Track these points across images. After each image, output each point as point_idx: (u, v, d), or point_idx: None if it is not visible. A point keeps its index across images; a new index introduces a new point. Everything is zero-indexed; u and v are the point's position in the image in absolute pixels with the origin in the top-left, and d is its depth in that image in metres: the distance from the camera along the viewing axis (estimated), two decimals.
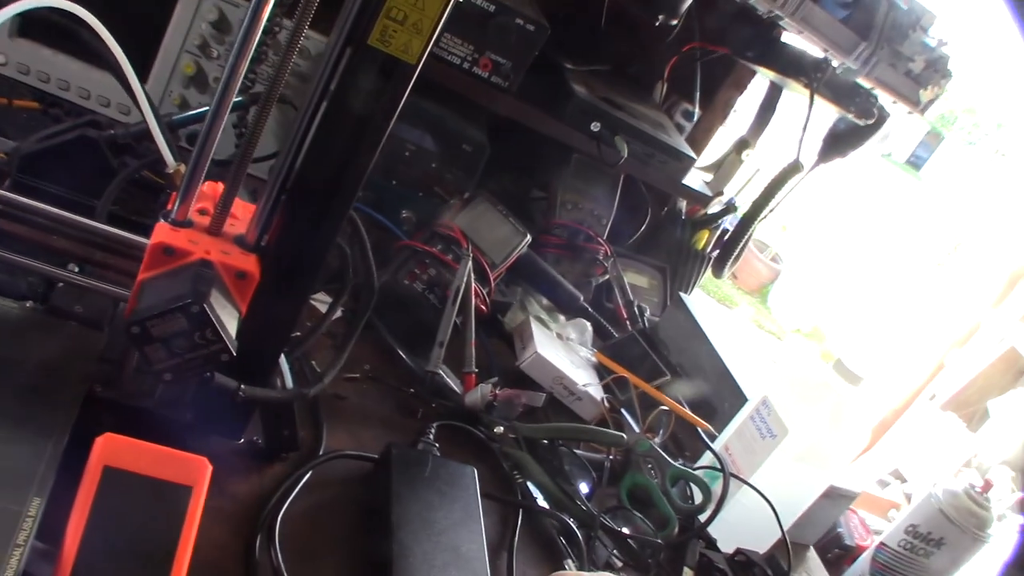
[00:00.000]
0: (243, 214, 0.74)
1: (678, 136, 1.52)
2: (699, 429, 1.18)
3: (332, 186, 0.69)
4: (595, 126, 1.39)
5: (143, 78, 1.24)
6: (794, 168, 1.47)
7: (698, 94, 1.62)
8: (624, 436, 1.07)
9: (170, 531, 0.62)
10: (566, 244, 1.49)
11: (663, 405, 1.20)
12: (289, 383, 0.83)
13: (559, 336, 1.31)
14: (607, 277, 1.51)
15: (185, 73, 1.24)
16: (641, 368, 1.29)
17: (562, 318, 1.37)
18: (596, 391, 1.20)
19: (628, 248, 1.65)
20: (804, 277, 6.52)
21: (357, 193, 0.69)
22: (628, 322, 1.47)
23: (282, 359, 0.82)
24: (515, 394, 1.10)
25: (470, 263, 1.11)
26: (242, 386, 0.70)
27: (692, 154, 1.46)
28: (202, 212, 0.72)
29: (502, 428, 1.05)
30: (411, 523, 0.80)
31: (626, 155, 1.37)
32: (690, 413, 1.22)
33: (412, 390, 1.06)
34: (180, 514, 0.63)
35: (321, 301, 1.10)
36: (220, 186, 0.73)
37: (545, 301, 1.41)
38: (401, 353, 1.11)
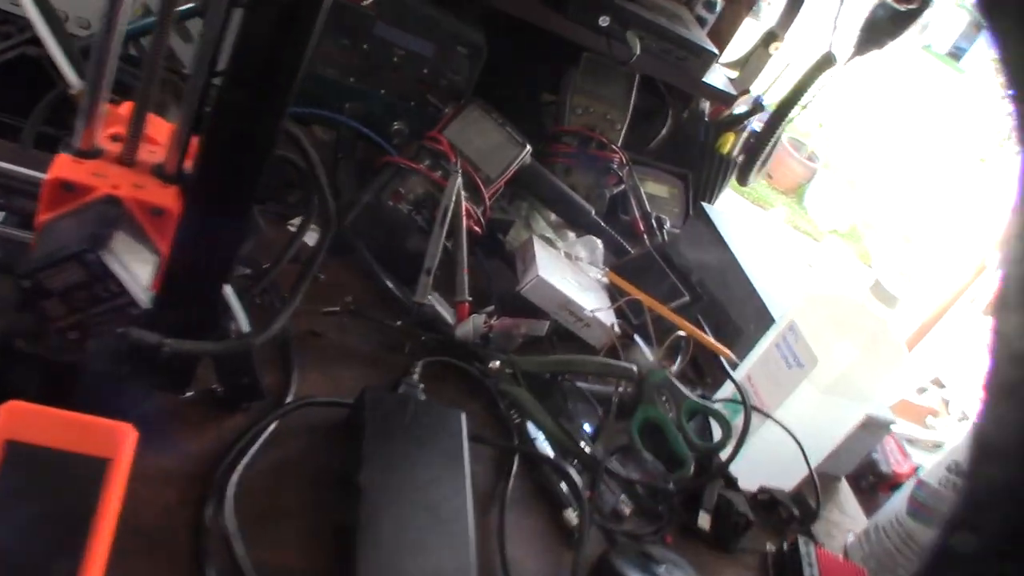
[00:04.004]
0: (166, 139, 0.63)
1: (698, 30, 1.37)
2: (720, 357, 1.08)
3: (260, 91, 0.57)
4: (603, 20, 1.24)
5: None
6: (827, 61, 1.31)
7: None
8: (634, 368, 0.97)
9: (84, 511, 0.53)
10: (576, 152, 1.36)
11: (680, 330, 1.09)
12: (245, 326, 0.73)
13: (568, 256, 1.20)
14: (622, 187, 1.39)
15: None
16: (658, 288, 1.17)
17: (571, 235, 1.26)
18: (607, 316, 1.10)
19: (646, 155, 1.52)
20: (841, 176, 6.29)
21: (289, 97, 0.57)
22: (645, 236, 1.35)
23: (232, 298, 0.71)
24: (513, 323, 0.99)
25: (459, 179, 0.99)
26: (166, 340, 0.60)
27: (713, 49, 1.31)
28: (116, 139, 0.61)
29: (498, 363, 0.95)
30: (384, 481, 0.70)
31: (638, 52, 1.23)
32: (710, 338, 1.11)
33: (399, 323, 0.96)
34: (95, 491, 0.54)
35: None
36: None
37: (553, 217, 1.29)
38: (387, 282, 1.00)
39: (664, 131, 1.55)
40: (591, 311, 1.08)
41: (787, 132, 1.55)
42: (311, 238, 0.86)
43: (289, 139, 0.68)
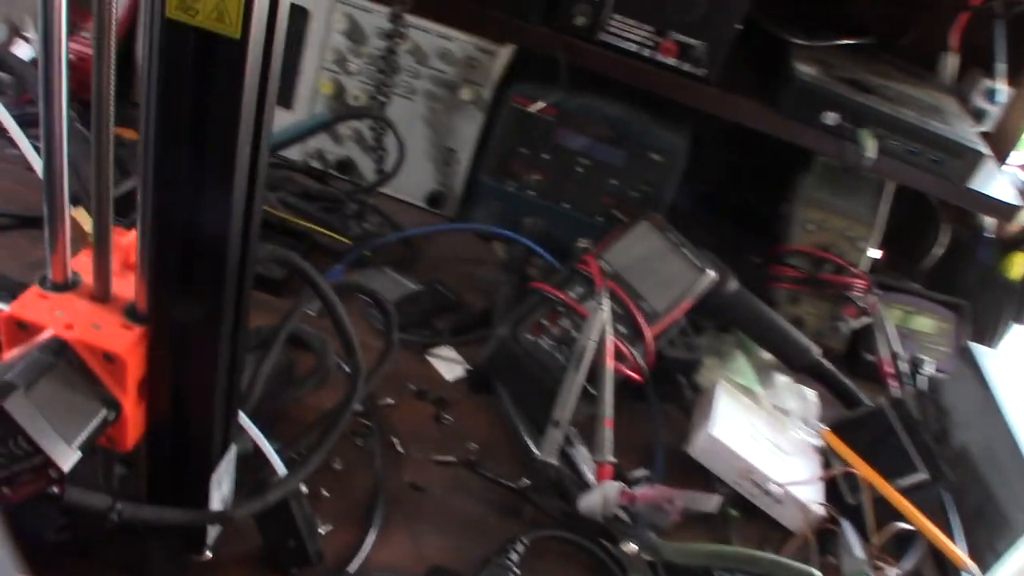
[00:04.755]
0: None
1: (966, 124, 1.09)
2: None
3: (190, 237, 0.46)
4: (830, 118, 1.02)
5: (288, 107, 1.12)
6: None
7: (1003, 65, 1.16)
8: (816, 573, 0.72)
9: None
10: (806, 278, 1.13)
11: (907, 520, 0.81)
12: (280, 468, 0.61)
13: (771, 407, 0.97)
14: (868, 321, 1.12)
15: (323, 93, 1.10)
16: (889, 458, 0.89)
17: (780, 380, 1.02)
18: (808, 491, 0.85)
19: (910, 280, 1.23)
20: None
21: (226, 241, 0.46)
22: (893, 382, 1.06)
23: (263, 440, 0.60)
24: (665, 495, 0.79)
25: (604, 313, 0.82)
26: (117, 504, 0.50)
27: (982, 147, 1.02)
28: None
29: (635, 547, 0.75)
30: None
31: (873, 155, 0.99)
32: (947, 541, 0.81)
33: (521, 484, 0.80)
34: None
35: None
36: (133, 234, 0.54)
37: (767, 357, 1.06)
38: (521, 432, 0.85)
39: (934, 251, 1.25)
40: (785, 483, 0.84)
41: None
42: None
43: (302, 278, 0.57)
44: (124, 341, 0.50)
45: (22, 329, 0.50)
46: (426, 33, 1.05)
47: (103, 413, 0.50)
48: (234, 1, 0.37)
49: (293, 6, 1.05)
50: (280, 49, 0.42)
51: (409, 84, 1.08)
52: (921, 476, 0.86)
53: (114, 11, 0.41)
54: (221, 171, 0.43)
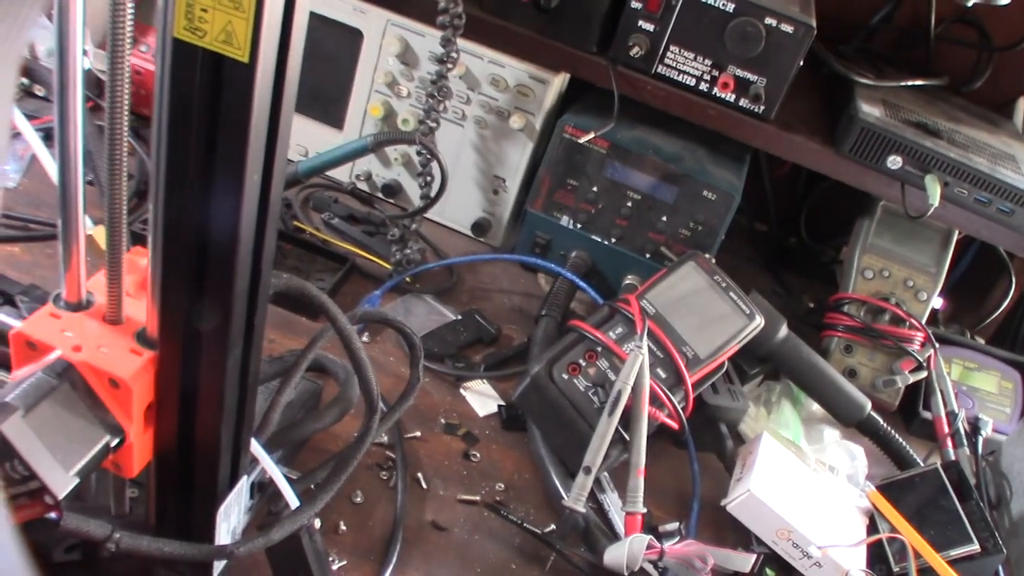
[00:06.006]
0: None
1: None
2: None
3: (200, 259, 0.45)
4: (894, 161, 0.98)
5: (339, 127, 1.11)
6: None
7: None
8: None
9: None
10: (862, 327, 1.08)
11: None
12: (293, 500, 0.59)
13: (817, 463, 0.92)
14: (924, 376, 1.06)
15: (373, 116, 1.09)
16: (939, 525, 0.84)
17: (828, 435, 0.97)
18: (850, 555, 0.80)
19: (969, 335, 1.17)
20: None
21: (234, 265, 0.44)
22: (949, 441, 1.01)
23: (275, 470, 0.58)
24: (696, 551, 0.75)
25: (643, 357, 0.79)
26: (115, 534, 0.48)
27: None
28: None
29: None
30: None
31: (936, 202, 0.94)
32: None
33: (546, 530, 0.77)
34: None
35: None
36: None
37: (816, 409, 1.01)
38: (551, 474, 0.82)
39: (1004, 307, 1.19)
40: (824, 546, 0.79)
41: None
42: None
43: (318, 309, 0.55)
44: (131, 366, 0.48)
45: (31, 348, 0.49)
46: (479, 59, 1.04)
47: (105, 439, 0.48)
48: (242, 24, 0.36)
49: (346, 27, 1.05)
50: (295, 74, 0.41)
51: (459, 110, 1.07)
52: (973, 547, 0.81)
53: (129, 24, 0.40)
54: (230, 191, 0.42)
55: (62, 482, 0.45)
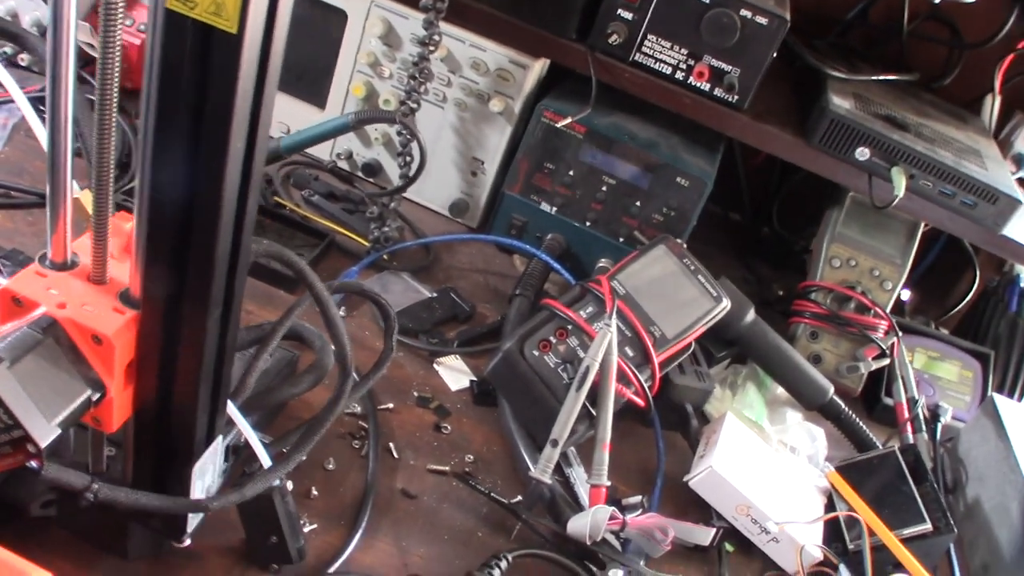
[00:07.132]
0: None
1: (1002, 169, 1.06)
2: None
3: (183, 222, 0.47)
4: (861, 153, 1.00)
5: (321, 106, 1.13)
6: None
7: None
8: None
9: None
10: (828, 314, 1.11)
11: (906, 572, 0.79)
12: (265, 460, 0.61)
13: (778, 443, 0.95)
14: (886, 362, 1.09)
15: (355, 96, 1.10)
16: (894, 505, 0.87)
17: (791, 417, 1.00)
18: (807, 532, 0.83)
19: (933, 326, 1.20)
20: None
21: (216, 230, 0.46)
22: (908, 427, 1.04)
23: (247, 428, 0.60)
24: (657, 523, 0.77)
25: (611, 335, 0.81)
26: (94, 484, 0.50)
27: (1017, 194, 1.00)
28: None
29: (620, 573, 0.74)
30: None
31: (902, 193, 0.97)
32: None
33: (512, 500, 0.79)
34: None
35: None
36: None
37: (780, 392, 1.04)
38: (519, 446, 0.84)
39: (968, 299, 1.22)
40: (781, 522, 0.82)
41: None
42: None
43: (297, 275, 0.57)
44: (113, 324, 0.50)
45: (17, 304, 0.51)
46: (460, 43, 1.06)
47: (87, 393, 0.50)
48: None
49: (330, 8, 1.07)
50: (280, 46, 0.43)
51: (440, 92, 1.09)
52: (925, 527, 0.84)
53: None
54: (214, 158, 0.44)
55: (45, 431, 0.47)
